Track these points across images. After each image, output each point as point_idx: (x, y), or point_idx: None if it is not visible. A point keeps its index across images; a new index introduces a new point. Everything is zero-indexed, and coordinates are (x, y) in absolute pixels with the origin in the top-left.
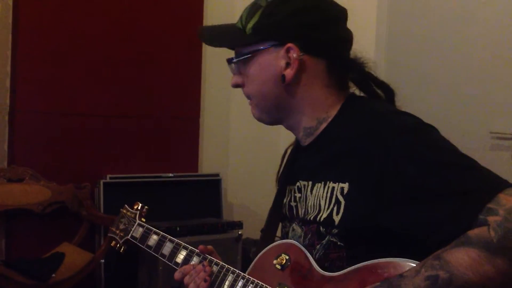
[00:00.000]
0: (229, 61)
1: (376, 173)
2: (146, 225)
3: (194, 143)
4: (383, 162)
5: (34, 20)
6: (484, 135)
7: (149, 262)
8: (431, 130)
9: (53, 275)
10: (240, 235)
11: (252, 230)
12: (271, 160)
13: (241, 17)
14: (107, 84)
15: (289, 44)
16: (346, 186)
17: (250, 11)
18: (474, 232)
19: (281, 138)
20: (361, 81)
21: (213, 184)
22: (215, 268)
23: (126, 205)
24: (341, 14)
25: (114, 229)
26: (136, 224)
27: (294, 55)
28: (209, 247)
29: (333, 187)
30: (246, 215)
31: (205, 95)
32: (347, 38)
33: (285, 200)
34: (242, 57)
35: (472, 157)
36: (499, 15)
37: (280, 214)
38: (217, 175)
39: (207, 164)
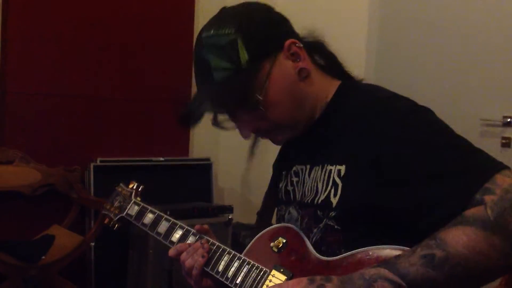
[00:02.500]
0: (254, 108)
1: (373, 155)
2: (142, 203)
3: (185, 127)
4: (380, 144)
5: (24, 2)
6: (473, 121)
7: (140, 245)
8: (427, 112)
9: (43, 257)
10: (230, 219)
11: (242, 214)
12: (261, 145)
13: (214, 68)
14: (99, 67)
15: (287, 42)
16: (343, 168)
17: (227, 50)
18: (471, 211)
19: None
20: (315, 49)
21: (203, 168)
22: (211, 248)
23: (121, 183)
24: None
25: (108, 206)
26: (132, 202)
27: (297, 46)
28: (205, 226)
29: (331, 170)
30: (236, 200)
31: None
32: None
33: (280, 185)
34: (263, 87)
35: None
36: (489, 4)
37: (276, 198)
38: (208, 159)
39: (198, 148)
